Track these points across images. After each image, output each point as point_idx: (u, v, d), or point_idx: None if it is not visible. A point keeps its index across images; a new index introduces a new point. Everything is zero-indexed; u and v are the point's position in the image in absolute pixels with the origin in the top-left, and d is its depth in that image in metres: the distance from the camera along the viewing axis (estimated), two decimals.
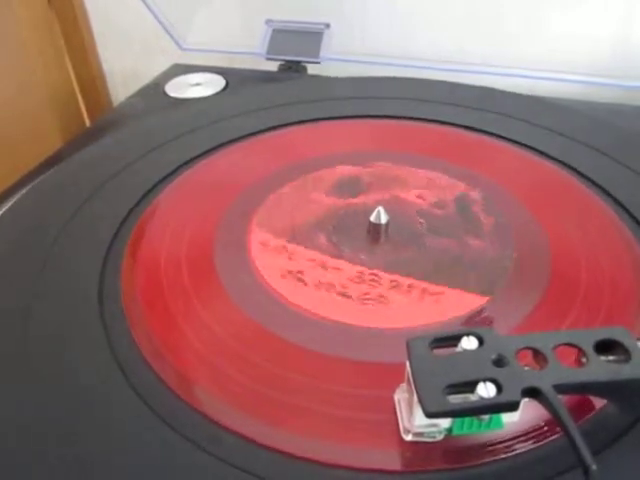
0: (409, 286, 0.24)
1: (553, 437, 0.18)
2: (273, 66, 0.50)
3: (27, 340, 0.22)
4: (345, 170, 0.31)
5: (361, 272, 0.25)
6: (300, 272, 0.25)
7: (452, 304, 0.23)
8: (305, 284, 0.24)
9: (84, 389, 0.20)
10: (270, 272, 0.25)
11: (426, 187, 0.30)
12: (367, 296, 0.24)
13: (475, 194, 0.29)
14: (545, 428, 0.19)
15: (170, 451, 0.19)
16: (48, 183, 0.32)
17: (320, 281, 0.25)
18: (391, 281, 0.24)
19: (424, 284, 0.24)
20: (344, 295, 0.24)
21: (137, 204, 0.29)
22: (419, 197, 0.29)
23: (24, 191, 0.31)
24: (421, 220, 0.28)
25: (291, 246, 0.26)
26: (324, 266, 0.25)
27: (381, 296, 0.24)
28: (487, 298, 0.23)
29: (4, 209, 0.30)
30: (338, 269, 0.25)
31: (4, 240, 0.27)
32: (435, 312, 0.23)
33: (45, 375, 0.21)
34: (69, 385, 0.21)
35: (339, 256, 0.26)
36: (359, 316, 0.23)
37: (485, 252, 0.26)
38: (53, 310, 0.24)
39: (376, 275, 0.25)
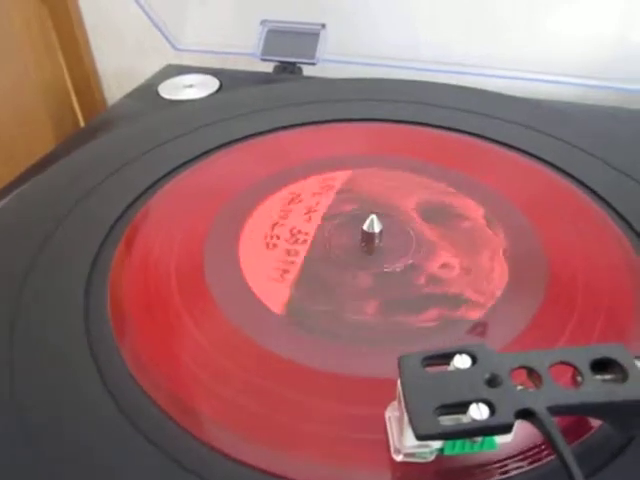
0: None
1: (548, 458, 0.18)
2: (268, 67, 0.50)
3: (12, 357, 0.22)
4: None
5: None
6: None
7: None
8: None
9: (68, 406, 0.20)
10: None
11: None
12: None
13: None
14: (540, 449, 0.18)
15: (155, 470, 0.18)
16: (38, 186, 0.31)
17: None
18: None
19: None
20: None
21: (127, 208, 0.29)
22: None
23: (14, 193, 0.31)
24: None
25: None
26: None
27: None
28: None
29: None
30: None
31: None
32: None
33: (29, 395, 0.20)
34: (52, 402, 0.20)
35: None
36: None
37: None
38: (38, 319, 0.23)
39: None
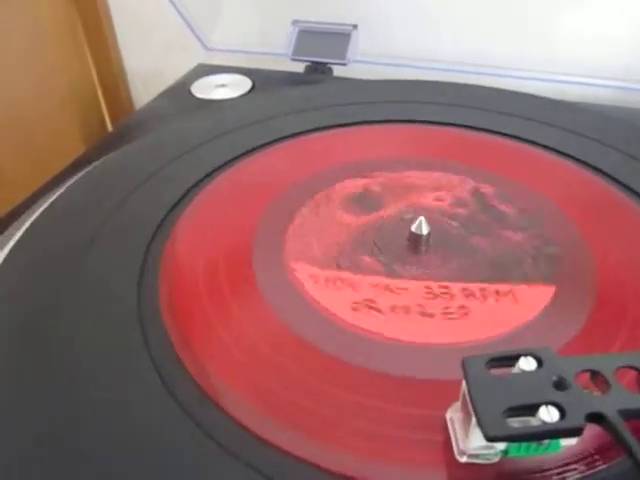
0: (481, 291, 0.24)
1: (612, 462, 0.18)
2: (298, 67, 0.50)
3: (64, 354, 0.22)
4: (380, 179, 0.31)
5: (386, 284, 0.25)
6: (337, 278, 0.25)
7: (527, 300, 0.23)
8: (342, 290, 0.24)
9: (121, 395, 0.20)
10: (309, 281, 0.25)
11: (463, 202, 0.29)
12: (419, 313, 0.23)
13: (514, 207, 0.29)
14: (604, 453, 0.18)
15: (204, 459, 0.18)
16: (79, 187, 0.31)
17: (354, 283, 0.24)
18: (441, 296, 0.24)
19: (493, 286, 0.24)
20: (372, 304, 0.24)
21: (172, 209, 0.29)
22: (454, 206, 0.29)
23: (53, 198, 0.31)
24: (454, 223, 0.27)
25: (329, 256, 0.26)
26: (360, 273, 0.25)
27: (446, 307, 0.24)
28: (554, 287, 0.24)
29: (36, 214, 0.30)
30: (365, 275, 0.25)
31: (36, 248, 0.27)
32: (517, 313, 0.23)
33: (81, 386, 0.21)
34: (104, 392, 0.20)
35: (375, 264, 0.26)
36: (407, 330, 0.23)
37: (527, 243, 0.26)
38: (88, 317, 0.23)
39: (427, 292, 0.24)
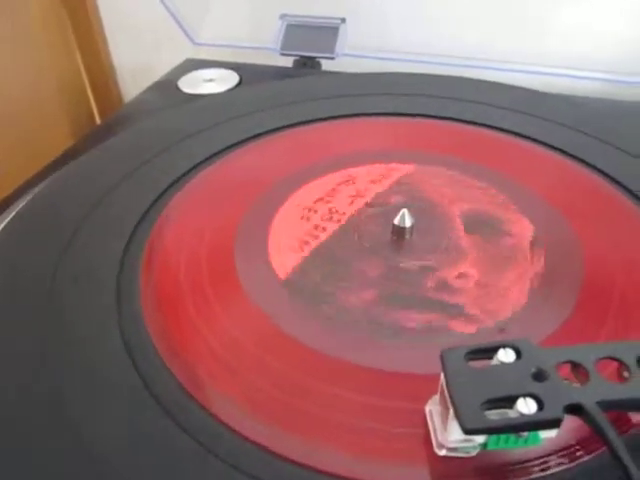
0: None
1: (592, 454, 0.18)
2: (286, 61, 0.49)
3: (45, 341, 0.21)
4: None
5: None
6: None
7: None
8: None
9: (100, 387, 0.20)
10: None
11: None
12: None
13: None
14: (584, 445, 0.18)
15: (180, 454, 0.18)
16: (63, 179, 0.31)
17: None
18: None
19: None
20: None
21: (156, 200, 0.29)
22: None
23: (39, 187, 0.31)
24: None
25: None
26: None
27: None
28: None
29: (20, 205, 0.29)
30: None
31: (18, 241, 0.27)
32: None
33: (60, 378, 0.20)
34: (85, 386, 0.20)
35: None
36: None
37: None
38: (70, 308, 0.23)
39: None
